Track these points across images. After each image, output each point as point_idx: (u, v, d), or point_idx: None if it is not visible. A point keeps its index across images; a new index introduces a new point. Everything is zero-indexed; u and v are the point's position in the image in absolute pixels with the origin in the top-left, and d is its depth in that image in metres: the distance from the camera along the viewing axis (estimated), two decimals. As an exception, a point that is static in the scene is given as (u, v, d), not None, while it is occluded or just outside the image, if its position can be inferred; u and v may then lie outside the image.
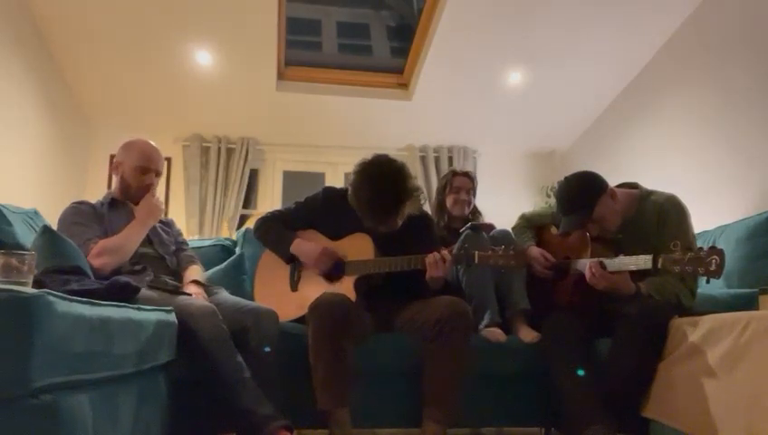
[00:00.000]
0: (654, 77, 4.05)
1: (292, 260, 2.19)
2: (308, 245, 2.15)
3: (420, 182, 5.01)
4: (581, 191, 2.03)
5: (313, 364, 1.82)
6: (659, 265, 1.75)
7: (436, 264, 1.96)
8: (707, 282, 1.71)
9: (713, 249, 1.64)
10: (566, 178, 2.12)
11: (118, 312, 1.25)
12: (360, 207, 2.01)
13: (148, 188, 2.11)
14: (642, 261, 1.81)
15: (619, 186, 2.15)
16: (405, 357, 1.99)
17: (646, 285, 1.92)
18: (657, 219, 2.02)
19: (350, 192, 2.05)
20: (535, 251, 2.24)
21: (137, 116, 4.60)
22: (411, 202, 1.99)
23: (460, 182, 2.70)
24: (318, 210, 2.24)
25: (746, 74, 3.15)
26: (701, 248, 1.68)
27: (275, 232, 2.24)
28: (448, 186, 2.72)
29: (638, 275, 1.93)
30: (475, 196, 2.76)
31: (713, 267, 1.62)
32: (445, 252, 1.99)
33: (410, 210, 2.02)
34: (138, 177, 2.10)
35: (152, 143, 2.17)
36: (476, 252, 2.01)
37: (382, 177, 1.96)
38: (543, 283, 2.23)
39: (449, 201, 2.68)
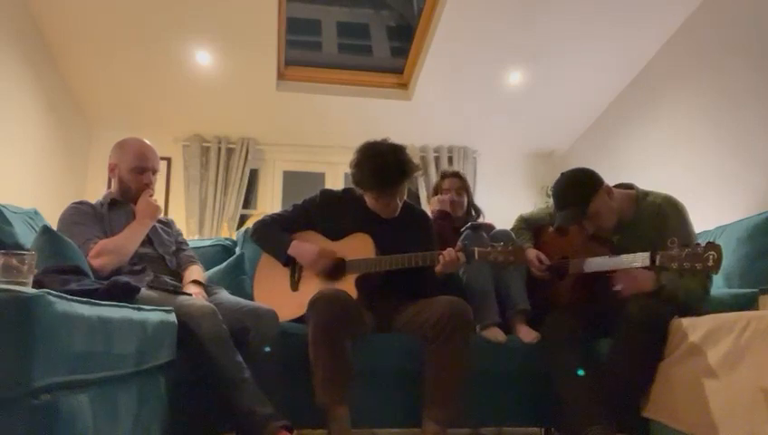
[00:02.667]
0: (654, 77, 4.05)
1: (288, 263, 2.19)
2: (305, 246, 2.15)
3: (420, 182, 5.02)
4: (577, 186, 2.03)
5: (313, 360, 1.82)
6: (657, 262, 1.76)
7: (452, 262, 1.98)
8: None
9: (710, 245, 1.64)
10: (562, 173, 2.12)
11: (118, 312, 1.25)
12: (363, 180, 2.06)
13: (146, 187, 2.11)
14: (640, 259, 1.81)
15: (615, 186, 2.15)
16: (405, 357, 1.99)
17: (668, 281, 1.88)
18: (655, 221, 2.01)
19: (352, 171, 2.09)
20: (531, 253, 2.24)
21: (137, 116, 4.59)
22: (412, 176, 2.08)
23: (449, 183, 2.70)
24: (316, 212, 2.25)
25: (746, 74, 3.15)
26: (698, 244, 1.68)
27: (272, 235, 2.24)
28: (439, 188, 2.72)
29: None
30: (468, 194, 2.74)
31: (710, 263, 1.62)
32: (460, 253, 1.99)
33: (409, 185, 2.13)
34: (135, 177, 2.10)
35: (146, 141, 2.16)
36: (476, 248, 2.02)
37: (384, 150, 2.06)
38: (543, 283, 2.23)
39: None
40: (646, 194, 2.11)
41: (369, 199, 2.14)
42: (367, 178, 2.05)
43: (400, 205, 2.13)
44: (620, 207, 2.06)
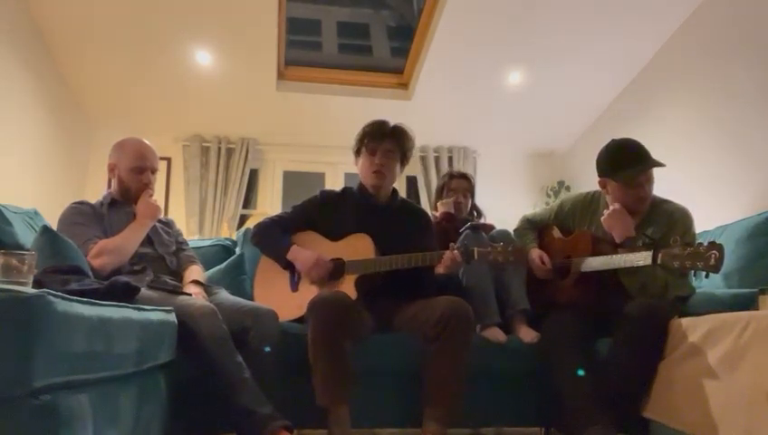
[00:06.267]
0: (653, 77, 4.05)
1: (288, 266, 2.19)
2: (304, 253, 2.14)
3: (420, 182, 5.03)
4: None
5: (313, 362, 1.81)
6: (659, 261, 1.77)
7: (452, 263, 1.99)
8: (706, 276, 1.72)
9: (712, 244, 1.66)
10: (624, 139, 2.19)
11: (118, 312, 1.25)
12: (363, 130, 2.21)
13: (146, 187, 2.11)
14: (642, 257, 1.82)
15: None
16: (405, 357, 1.99)
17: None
18: (664, 225, 2.04)
19: (355, 142, 2.23)
20: (534, 254, 2.25)
21: (137, 116, 4.60)
22: (406, 137, 2.22)
23: (457, 184, 2.70)
24: (316, 213, 2.25)
25: (746, 74, 3.15)
26: (700, 244, 1.70)
27: (272, 238, 2.24)
28: (445, 188, 2.72)
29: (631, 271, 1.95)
30: (473, 196, 2.75)
31: (712, 262, 1.63)
32: (456, 252, 1.99)
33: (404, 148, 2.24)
34: (134, 177, 2.10)
35: (145, 141, 2.16)
36: (475, 248, 2.02)
37: (383, 119, 2.24)
38: (544, 282, 2.24)
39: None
40: (663, 201, 2.15)
41: (364, 164, 2.21)
42: (367, 127, 2.21)
43: (391, 180, 2.20)
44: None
